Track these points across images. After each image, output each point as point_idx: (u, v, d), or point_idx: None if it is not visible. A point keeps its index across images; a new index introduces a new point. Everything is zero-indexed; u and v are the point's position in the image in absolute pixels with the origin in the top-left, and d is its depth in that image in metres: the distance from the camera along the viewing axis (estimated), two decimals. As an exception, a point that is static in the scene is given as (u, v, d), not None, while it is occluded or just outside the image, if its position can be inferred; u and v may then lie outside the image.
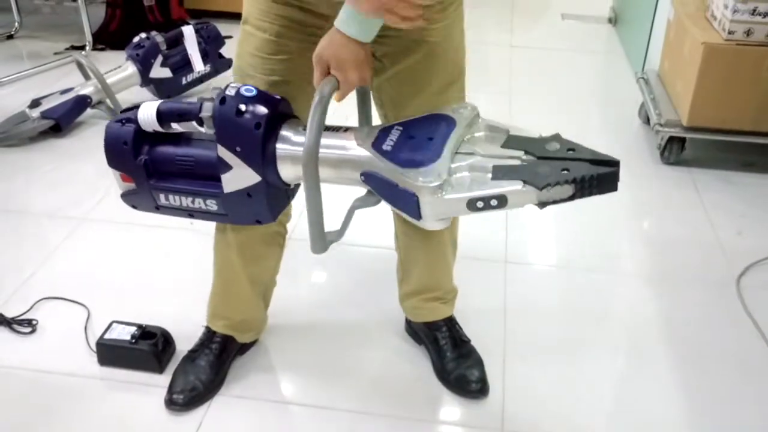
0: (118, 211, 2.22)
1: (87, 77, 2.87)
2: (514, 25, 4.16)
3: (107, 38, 3.64)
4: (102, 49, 3.60)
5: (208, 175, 1.32)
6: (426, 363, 1.71)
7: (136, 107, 1.34)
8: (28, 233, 2.21)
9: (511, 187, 1.10)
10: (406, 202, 1.15)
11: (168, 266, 2.05)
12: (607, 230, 2.30)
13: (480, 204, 1.12)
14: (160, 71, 2.92)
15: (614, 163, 1.12)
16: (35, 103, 2.72)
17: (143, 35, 2.97)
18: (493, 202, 1.11)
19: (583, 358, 1.77)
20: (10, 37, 3.80)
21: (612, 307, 1.98)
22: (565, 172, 1.10)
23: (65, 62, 3.38)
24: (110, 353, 1.67)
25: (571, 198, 1.12)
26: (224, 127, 1.25)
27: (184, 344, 1.70)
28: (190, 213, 1.38)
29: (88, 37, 3.57)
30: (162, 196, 1.37)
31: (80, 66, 2.86)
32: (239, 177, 1.27)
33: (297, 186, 1.37)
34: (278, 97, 1.28)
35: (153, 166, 1.35)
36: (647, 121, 2.95)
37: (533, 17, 4.39)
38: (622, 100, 3.21)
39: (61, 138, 2.75)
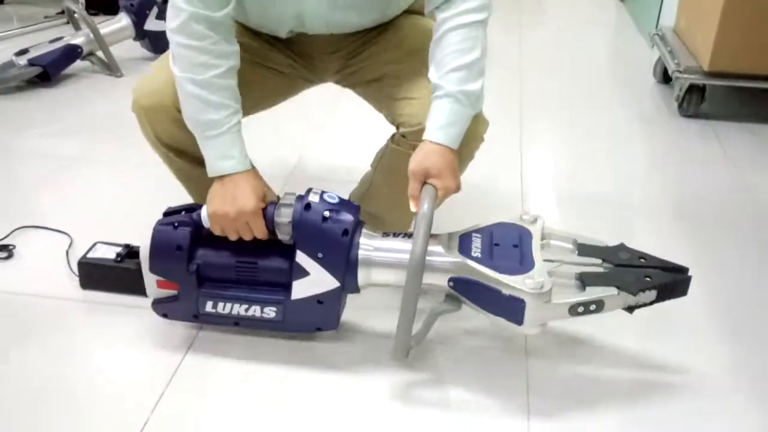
0: (113, 153, 2.13)
1: (77, 28, 2.74)
2: (522, 5, 4.06)
3: (101, 3, 3.51)
4: (95, 14, 3.44)
5: (272, 281, 1.30)
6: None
7: (187, 209, 1.31)
8: (12, 169, 2.07)
9: (607, 292, 1.18)
10: (510, 308, 1.17)
11: (160, 200, 1.89)
12: (628, 184, 2.17)
13: (581, 309, 1.18)
14: (155, 23, 2.78)
15: (684, 270, 1.24)
16: (22, 51, 2.59)
17: (139, -16, 2.82)
18: (592, 307, 1.18)
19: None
20: (1, 2, 3.68)
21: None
22: (648, 279, 1.20)
23: (56, 24, 3.26)
24: (93, 274, 1.52)
25: (652, 303, 1.22)
26: (308, 233, 1.24)
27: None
28: (236, 321, 1.33)
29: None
30: (209, 304, 1.31)
31: (70, 15, 2.73)
32: (315, 283, 1.26)
33: None
34: (356, 203, 1.31)
35: (207, 272, 1.30)
36: (663, 80, 2.84)
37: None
38: (634, 67, 3.11)
39: (50, 88, 2.62)
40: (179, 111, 1.29)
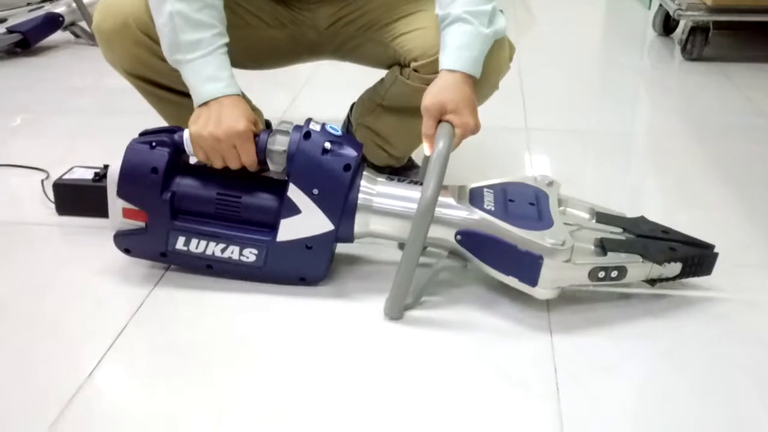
0: (94, 105, 2.04)
1: (59, -3, 2.66)
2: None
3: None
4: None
5: (256, 220, 1.15)
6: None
7: (167, 129, 1.17)
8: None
9: (631, 259, 1.10)
10: (525, 265, 1.07)
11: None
12: (641, 120, 2.08)
13: (602, 274, 1.09)
14: (138, -8, 2.69)
15: (710, 246, 1.16)
16: (0, 20, 2.50)
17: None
18: (614, 273, 1.10)
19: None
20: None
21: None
22: (673, 251, 1.13)
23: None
24: (70, 197, 1.40)
25: (676, 277, 1.15)
26: (304, 166, 1.11)
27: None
28: (209, 264, 1.18)
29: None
30: (181, 240, 1.16)
31: (51, -17, 2.65)
32: (306, 224, 1.13)
33: None
34: (361, 143, 1.17)
35: (182, 204, 1.15)
36: (663, 31, 2.77)
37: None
38: (631, 26, 3.06)
39: (31, 56, 2.52)
40: (144, 34, 1.20)
